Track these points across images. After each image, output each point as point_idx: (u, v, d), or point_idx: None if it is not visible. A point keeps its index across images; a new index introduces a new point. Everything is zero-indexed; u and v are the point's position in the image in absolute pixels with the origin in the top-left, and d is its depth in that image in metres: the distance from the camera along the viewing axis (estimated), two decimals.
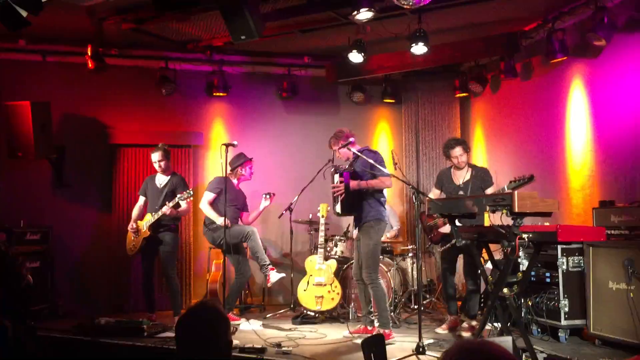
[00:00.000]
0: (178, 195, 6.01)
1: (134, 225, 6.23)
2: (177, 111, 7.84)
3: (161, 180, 6.32)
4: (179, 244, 7.00)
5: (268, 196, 6.48)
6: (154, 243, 6.18)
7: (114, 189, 7.43)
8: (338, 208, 5.42)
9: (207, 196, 6.34)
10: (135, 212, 6.39)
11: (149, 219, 6.14)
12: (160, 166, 6.24)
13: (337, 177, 5.40)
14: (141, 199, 6.43)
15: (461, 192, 5.72)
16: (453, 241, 5.54)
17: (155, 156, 6.24)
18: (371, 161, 5.31)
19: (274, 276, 6.03)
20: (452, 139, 6.21)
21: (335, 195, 5.40)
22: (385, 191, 5.59)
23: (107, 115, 7.59)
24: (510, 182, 5.06)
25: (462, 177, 5.82)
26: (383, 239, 6.94)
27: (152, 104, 7.71)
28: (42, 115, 6.61)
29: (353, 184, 5.30)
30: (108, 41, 6.86)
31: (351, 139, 5.51)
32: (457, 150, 5.78)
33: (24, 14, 4.45)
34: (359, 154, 5.39)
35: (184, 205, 6.10)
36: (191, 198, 6.12)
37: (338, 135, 5.58)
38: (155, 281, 6.53)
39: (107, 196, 7.44)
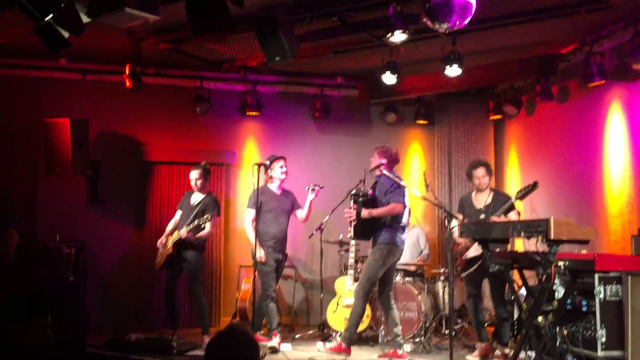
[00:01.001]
0: (197, 219, 6.02)
1: (164, 240, 6.26)
2: (210, 130, 7.93)
3: (196, 198, 6.34)
4: (206, 261, 6.98)
5: (311, 189, 6.16)
6: (177, 260, 6.17)
7: (147, 206, 7.53)
8: (352, 232, 5.56)
9: (248, 214, 6.24)
10: (169, 226, 6.42)
11: (176, 235, 6.17)
12: (196, 184, 6.27)
13: (352, 202, 5.52)
14: (177, 214, 6.44)
15: (482, 216, 5.64)
16: (474, 267, 5.50)
17: (194, 174, 6.28)
18: (385, 187, 5.47)
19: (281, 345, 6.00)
20: (476, 159, 6.30)
21: (348, 220, 5.54)
22: (405, 216, 5.59)
23: (142, 132, 7.72)
24: (517, 192, 5.35)
25: (483, 200, 5.75)
26: (412, 261, 6.90)
27: (186, 122, 7.82)
28: (80, 132, 6.74)
29: (364, 213, 5.40)
30: (145, 60, 6.99)
31: (383, 161, 5.52)
32: (480, 171, 5.76)
33: (66, 35, 4.56)
34: (378, 179, 5.60)
35: (206, 230, 6.11)
36: (209, 221, 6.05)
37: (382, 152, 5.64)
38: (179, 297, 6.52)
39: (140, 212, 7.53)
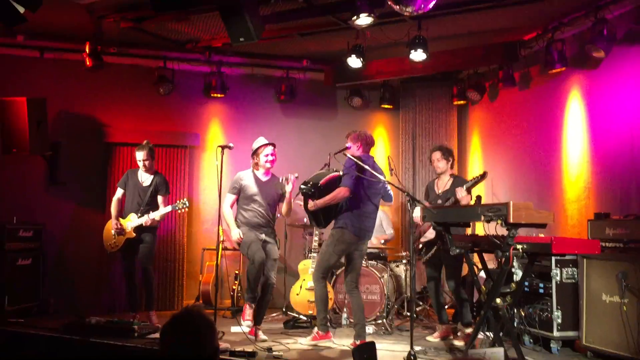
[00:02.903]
0: (173, 205, 6.02)
1: (120, 226, 6.10)
2: (174, 111, 7.81)
3: (144, 177, 6.22)
4: (168, 244, 7.36)
5: (285, 179, 5.67)
6: (135, 243, 6.11)
7: (108, 188, 7.38)
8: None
9: (227, 199, 5.79)
10: (114, 207, 6.22)
11: (133, 219, 6.06)
12: (145, 165, 6.14)
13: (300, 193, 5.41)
14: (119, 192, 6.28)
15: (439, 201, 5.72)
16: (432, 250, 5.59)
17: (141, 155, 6.12)
18: (340, 173, 5.33)
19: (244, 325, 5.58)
20: (437, 144, 6.45)
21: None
22: (367, 203, 5.28)
23: (103, 113, 7.55)
24: (467, 182, 5.46)
25: (442, 186, 5.83)
26: (374, 242, 6.94)
27: (149, 103, 7.68)
28: (37, 112, 6.58)
29: (310, 204, 5.27)
30: (107, 39, 6.83)
31: (348, 144, 5.45)
32: (436, 154, 5.87)
33: (22, 10, 4.42)
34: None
35: (158, 217, 6.08)
36: (186, 209, 6.08)
37: (354, 137, 5.46)
38: (138, 280, 6.43)
39: (102, 195, 7.39)
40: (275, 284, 5.76)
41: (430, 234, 5.77)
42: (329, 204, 5.21)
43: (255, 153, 5.82)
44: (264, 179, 5.84)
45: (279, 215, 5.94)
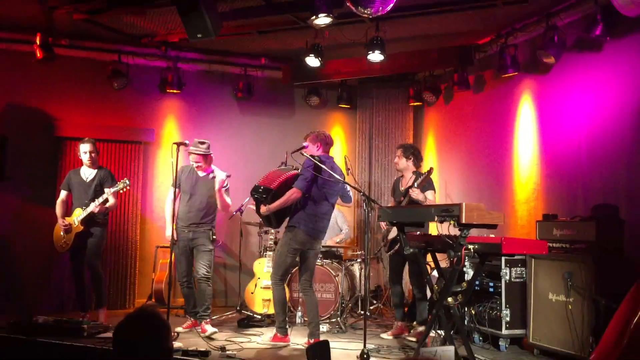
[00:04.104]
0: (110, 188, 5.88)
1: (67, 223, 5.98)
2: (128, 106, 7.66)
3: (87, 173, 6.10)
4: (121, 241, 7.26)
5: (213, 177, 5.85)
6: (84, 238, 5.98)
7: (58, 183, 7.16)
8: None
9: (169, 193, 5.98)
10: (58, 208, 6.12)
11: (80, 213, 5.94)
12: (91, 157, 6.03)
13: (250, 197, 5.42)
14: (63, 194, 6.17)
15: (402, 198, 5.81)
16: (396, 247, 5.66)
17: (86, 147, 6.01)
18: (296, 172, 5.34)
19: (210, 329, 5.72)
20: (402, 143, 6.57)
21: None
22: (323, 203, 5.29)
23: (54, 107, 7.33)
24: (417, 177, 5.69)
25: (405, 183, 5.93)
26: (329, 243, 6.99)
27: (102, 97, 7.50)
28: None
29: (263, 209, 5.26)
30: (59, 31, 6.65)
31: (305, 144, 5.45)
32: (397, 152, 6.06)
33: None
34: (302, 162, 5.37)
35: (111, 199, 5.95)
36: (128, 188, 5.98)
37: (313, 138, 5.44)
38: (87, 279, 6.30)
39: (51, 190, 7.16)
40: (205, 276, 5.78)
41: (394, 232, 5.85)
42: (282, 207, 5.20)
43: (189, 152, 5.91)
44: (201, 174, 5.93)
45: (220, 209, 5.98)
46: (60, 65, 6.91)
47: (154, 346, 2.02)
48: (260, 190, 5.23)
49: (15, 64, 7.10)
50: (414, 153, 6.00)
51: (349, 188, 5.52)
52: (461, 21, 6.36)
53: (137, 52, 7.51)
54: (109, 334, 5.25)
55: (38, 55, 6.53)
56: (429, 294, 5.84)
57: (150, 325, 2.05)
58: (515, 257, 5.28)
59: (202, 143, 5.85)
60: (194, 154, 5.83)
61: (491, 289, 5.45)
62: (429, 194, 5.73)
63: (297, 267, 6.40)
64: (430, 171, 5.67)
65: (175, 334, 5.28)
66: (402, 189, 5.91)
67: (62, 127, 7.30)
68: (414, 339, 5.58)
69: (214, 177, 5.83)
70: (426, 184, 5.72)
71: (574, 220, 5.03)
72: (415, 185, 5.56)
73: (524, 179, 6.34)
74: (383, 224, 5.95)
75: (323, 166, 5.08)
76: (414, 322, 5.84)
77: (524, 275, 5.31)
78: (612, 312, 4.07)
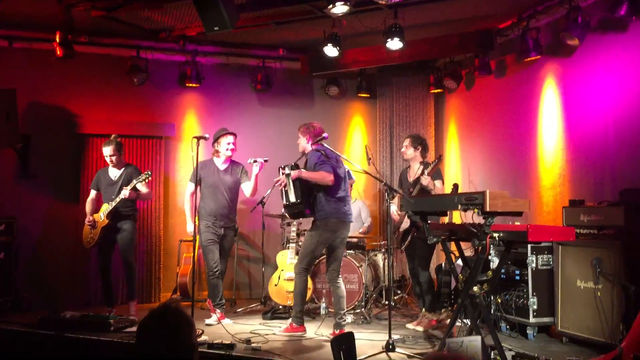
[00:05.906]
0: (136, 179, 5.90)
1: (91, 219, 6.05)
2: (148, 101, 7.69)
3: (115, 172, 6.14)
4: (145, 236, 7.33)
5: (255, 162, 5.95)
6: (112, 233, 6.03)
7: (81, 180, 7.25)
8: (284, 200, 5.38)
9: (188, 188, 6.20)
10: (88, 206, 6.19)
11: (106, 207, 5.99)
12: (112, 161, 6.07)
13: (281, 171, 5.40)
14: (93, 193, 6.23)
15: (411, 189, 5.74)
16: (410, 237, 5.64)
17: (108, 150, 6.04)
18: (314, 160, 5.33)
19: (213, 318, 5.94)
20: (411, 133, 6.61)
21: (280, 188, 5.37)
22: (342, 188, 5.39)
23: (75, 104, 7.40)
24: (426, 165, 5.64)
25: (413, 174, 5.86)
26: (353, 234, 6.96)
27: (122, 93, 7.55)
28: (7, 103, 6.42)
29: (294, 173, 5.26)
30: (77, 28, 6.67)
31: (303, 138, 5.51)
32: (405, 142, 5.99)
33: None
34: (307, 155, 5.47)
35: (143, 188, 5.99)
36: (149, 178, 5.98)
37: (304, 130, 5.50)
38: (115, 274, 6.38)
39: (75, 187, 7.26)
40: (224, 273, 6.12)
41: (406, 223, 5.81)
42: (312, 180, 5.26)
43: (216, 141, 6.06)
44: (222, 167, 6.07)
45: (247, 193, 6.13)
46: (80, 62, 6.94)
47: (176, 343, 2.01)
48: (292, 165, 5.35)
49: (35, 62, 7.16)
50: (422, 144, 5.96)
51: (347, 167, 5.64)
52: (481, 4, 6.24)
53: (156, 47, 7.52)
54: (135, 329, 5.29)
55: (58, 53, 6.55)
56: (453, 283, 5.78)
57: (173, 322, 2.04)
58: (542, 245, 5.20)
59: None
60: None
61: (517, 277, 5.38)
62: (437, 183, 5.67)
63: (320, 259, 6.41)
64: (440, 159, 5.65)
65: (201, 330, 5.31)
66: (411, 179, 5.85)
67: (83, 123, 7.37)
68: (420, 328, 5.63)
69: (255, 161, 5.94)
70: (434, 174, 5.68)
71: (602, 206, 4.93)
72: (426, 173, 5.51)
73: (549, 165, 6.22)
74: (395, 216, 5.89)
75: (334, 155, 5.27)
76: (423, 310, 5.81)
77: (551, 263, 5.22)
78: None
